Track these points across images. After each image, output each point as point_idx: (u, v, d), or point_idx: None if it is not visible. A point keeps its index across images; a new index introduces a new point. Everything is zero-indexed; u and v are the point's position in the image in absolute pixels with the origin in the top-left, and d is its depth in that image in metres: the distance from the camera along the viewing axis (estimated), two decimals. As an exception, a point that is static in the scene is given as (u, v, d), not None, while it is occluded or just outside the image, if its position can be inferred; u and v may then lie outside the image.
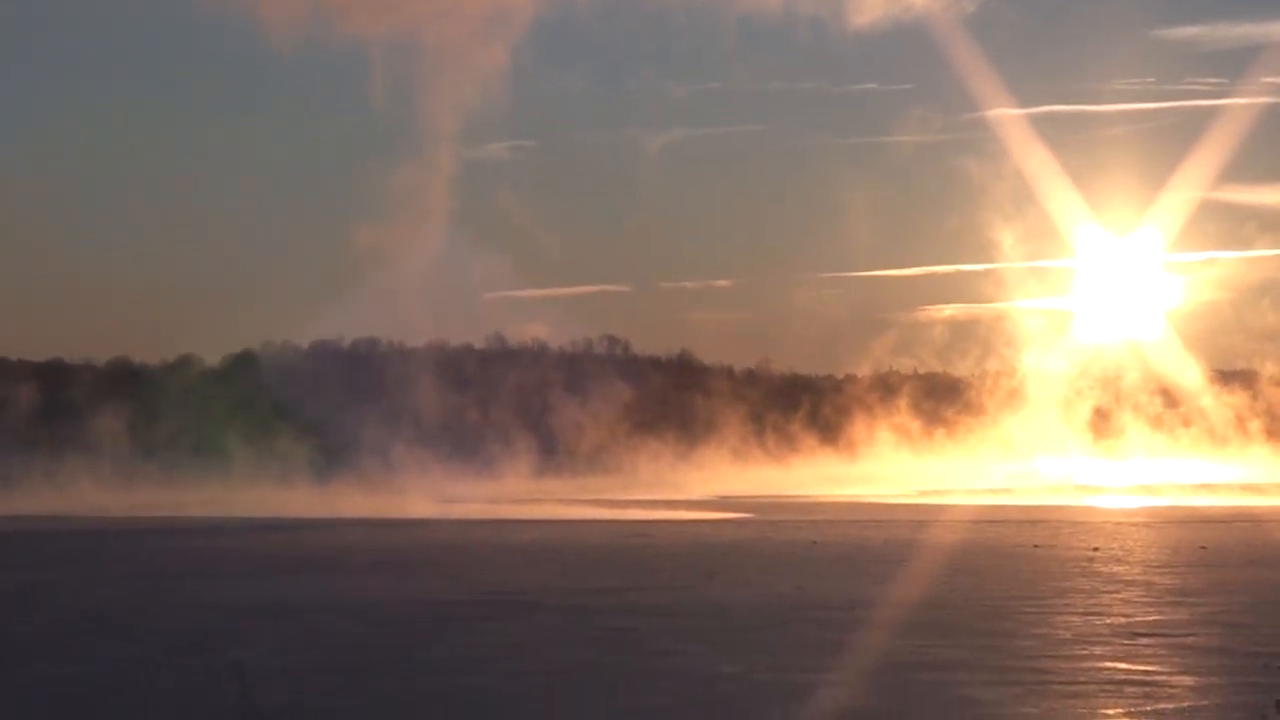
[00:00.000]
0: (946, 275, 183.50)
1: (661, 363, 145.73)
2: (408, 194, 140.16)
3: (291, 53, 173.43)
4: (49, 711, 21.15)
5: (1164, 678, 23.00)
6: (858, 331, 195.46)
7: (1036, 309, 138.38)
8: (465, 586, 38.57)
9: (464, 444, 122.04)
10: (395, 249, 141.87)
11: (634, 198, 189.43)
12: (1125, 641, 27.18)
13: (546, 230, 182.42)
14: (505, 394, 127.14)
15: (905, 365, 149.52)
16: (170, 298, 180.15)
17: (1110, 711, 20.25)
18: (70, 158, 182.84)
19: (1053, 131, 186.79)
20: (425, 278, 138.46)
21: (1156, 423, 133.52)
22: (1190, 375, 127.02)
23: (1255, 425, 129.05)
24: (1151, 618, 30.86)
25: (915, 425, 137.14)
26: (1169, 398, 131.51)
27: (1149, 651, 25.85)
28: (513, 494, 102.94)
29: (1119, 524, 68.19)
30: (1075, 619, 30.53)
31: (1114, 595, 35.35)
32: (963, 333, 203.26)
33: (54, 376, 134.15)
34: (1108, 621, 30.15)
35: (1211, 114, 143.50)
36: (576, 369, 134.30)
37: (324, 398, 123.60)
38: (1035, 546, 52.08)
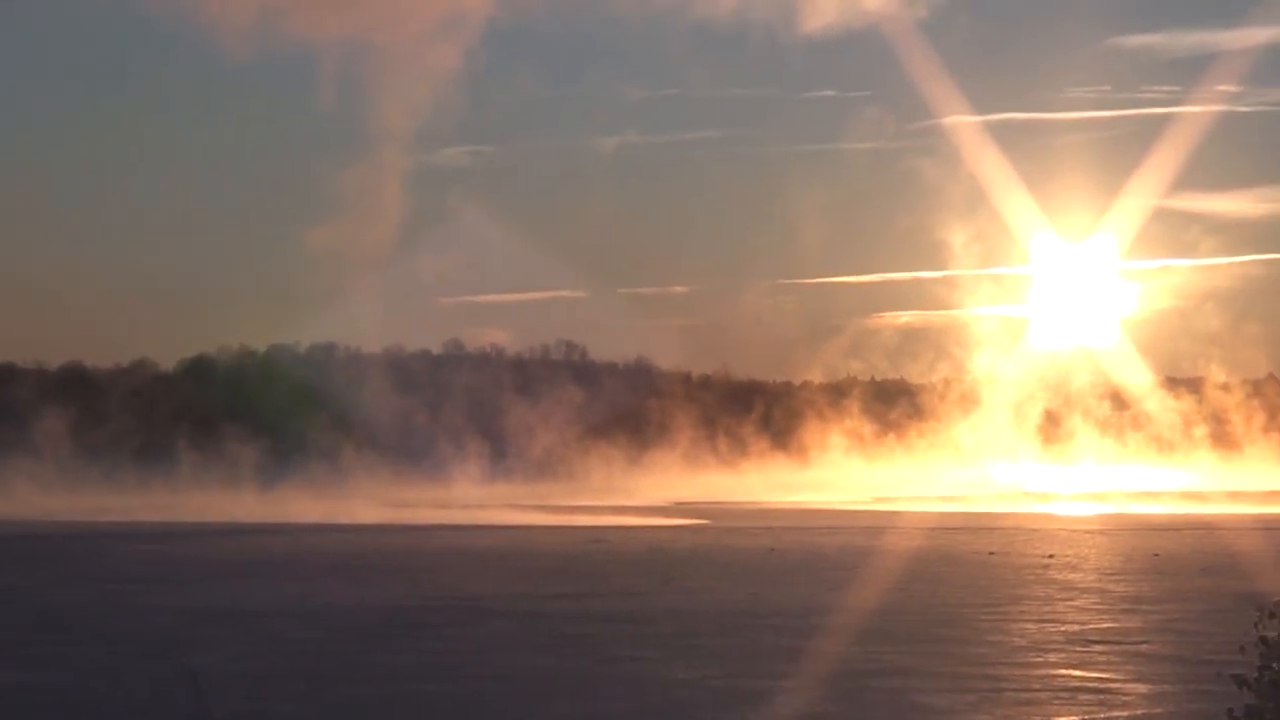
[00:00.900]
0: (902, 282, 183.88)
1: (618, 368, 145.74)
2: (363, 198, 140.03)
3: (245, 57, 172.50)
4: (4, 718, 21.02)
5: (1118, 685, 23.15)
6: (813, 337, 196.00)
7: (991, 316, 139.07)
8: (422, 592, 38.52)
9: (416, 449, 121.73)
10: (351, 254, 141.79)
11: (591, 204, 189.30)
12: (1079, 649, 27.34)
13: (504, 235, 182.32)
14: (459, 399, 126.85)
15: (861, 371, 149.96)
16: (125, 302, 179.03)
17: (1064, 719, 20.37)
18: (22, 162, 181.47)
19: (1008, 139, 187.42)
20: (382, 283, 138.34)
21: (1109, 429, 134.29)
22: (1143, 382, 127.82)
23: (1206, 432, 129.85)
24: (1105, 625, 31.04)
25: (869, 431, 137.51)
26: (1122, 404, 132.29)
27: (1103, 659, 26.00)
28: (465, 500, 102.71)
29: (1073, 531, 68.58)
30: (1030, 626, 30.69)
31: (1068, 602, 35.55)
32: (918, 339, 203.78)
33: (3, 380, 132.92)
34: (1062, 629, 30.32)
35: (1166, 122, 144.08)
36: (532, 374, 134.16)
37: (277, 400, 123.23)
38: (990, 553, 52.33)
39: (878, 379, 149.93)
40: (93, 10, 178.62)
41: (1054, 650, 27.09)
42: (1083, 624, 31.16)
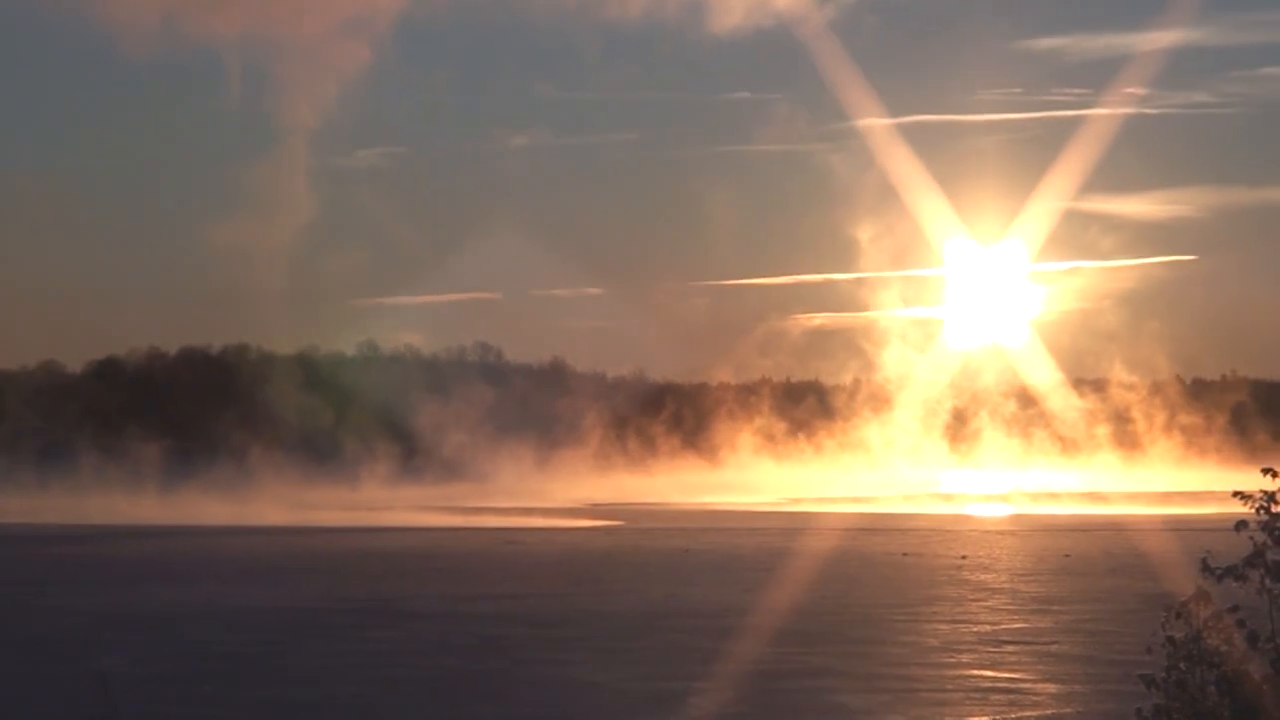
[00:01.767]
0: (815, 283, 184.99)
1: (533, 370, 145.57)
2: (272, 196, 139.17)
3: (148, 54, 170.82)
4: (-91, 723, 20.76)
5: (1029, 685, 23.38)
6: (727, 339, 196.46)
7: (904, 318, 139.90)
8: (336, 594, 38.32)
9: (325, 451, 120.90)
10: (261, 253, 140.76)
11: (505, 206, 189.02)
12: (991, 649, 27.59)
13: (419, 237, 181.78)
14: (371, 401, 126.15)
15: (774, 372, 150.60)
16: (31, 304, 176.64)
17: (976, 719, 20.55)
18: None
19: (920, 140, 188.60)
20: (295, 284, 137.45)
21: (1019, 431, 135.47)
22: (1052, 384, 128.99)
23: (1113, 432, 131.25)
24: (1017, 625, 31.34)
25: (782, 432, 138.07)
26: (1032, 406, 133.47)
27: (1014, 659, 26.25)
28: (374, 501, 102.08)
29: (985, 532, 69.13)
30: (943, 627, 30.93)
31: (981, 603, 35.86)
32: (830, 340, 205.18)
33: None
34: (974, 629, 30.58)
35: (1075, 124, 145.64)
36: (444, 376, 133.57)
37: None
38: (904, 554, 52.66)
39: (792, 380, 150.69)
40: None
41: (966, 651, 27.32)
42: (995, 624, 31.44)
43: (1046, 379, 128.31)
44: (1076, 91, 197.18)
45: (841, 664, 25.52)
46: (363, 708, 21.76)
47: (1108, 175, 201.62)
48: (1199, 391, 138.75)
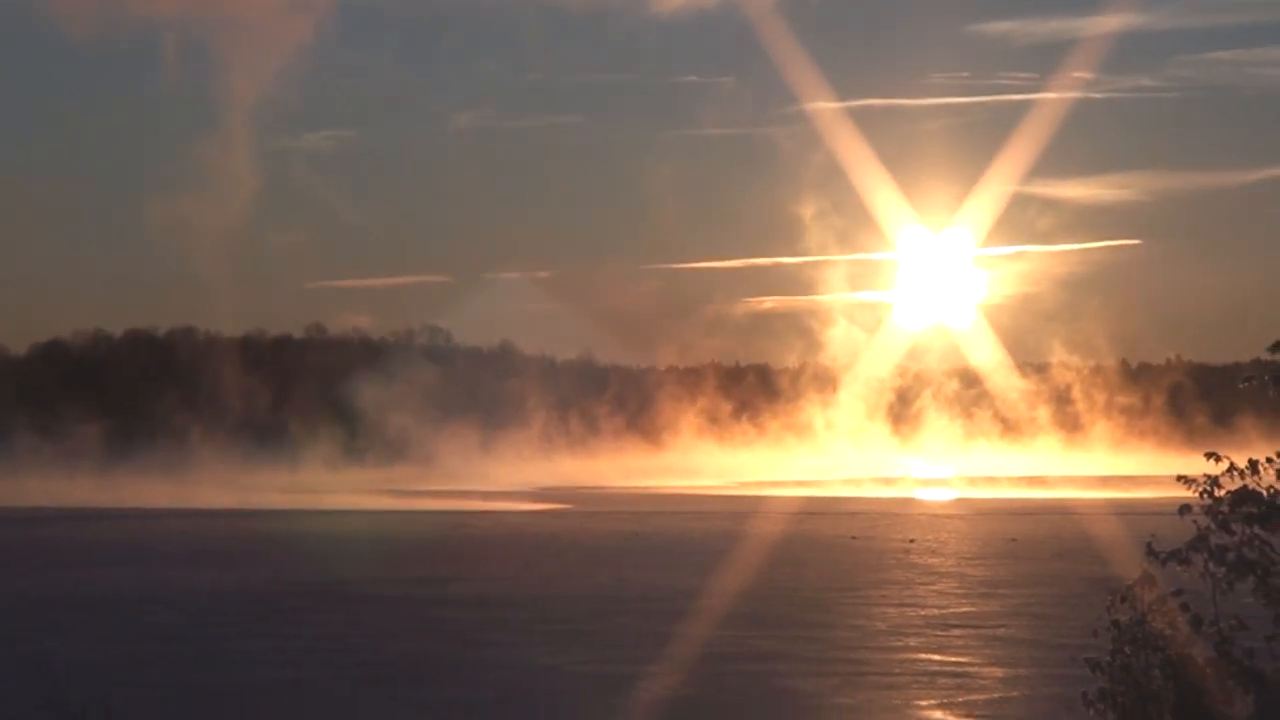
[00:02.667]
0: (763, 267, 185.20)
1: (482, 353, 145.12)
2: (222, 182, 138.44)
3: (94, 37, 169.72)
4: None
5: (975, 669, 23.53)
6: (676, 322, 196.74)
7: (852, 301, 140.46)
8: (284, 577, 38.19)
9: (269, 434, 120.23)
10: (206, 235, 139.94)
11: (454, 190, 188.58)
12: (939, 633, 27.75)
13: (367, 220, 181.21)
14: (316, 384, 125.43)
15: (723, 356, 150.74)
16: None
17: (923, 703, 20.68)
18: None
19: (869, 124, 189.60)
20: (243, 268, 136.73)
21: (965, 415, 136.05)
22: (997, 367, 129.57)
23: (1054, 415, 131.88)
24: (964, 609, 31.52)
25: (729, 416, 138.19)
26: (978, 390, 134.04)
27: (961, 643, 26.41)
28: (318, 484, 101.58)
29: (934, 516, 69.47)
30: (891, 610, 31.08)
31: (928, 587, 36.04)
32: (779, 323, 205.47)
33: None
34: (922, 613, 30.75)
35: (1023, 108, 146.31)
36: (390, 358, 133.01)
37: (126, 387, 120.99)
38: (853, 538, 52.87)
39: (740, 363, 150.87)
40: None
41: (914, 634, 27.47)
42: (942, 608, 31.61)
43: (992, 362, 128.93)
44: (1024, 76, 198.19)
45: (791, 647, 25.62)
46: (311, 691, 21.71)
47: (1054, 160, 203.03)
48: (1140, 375, 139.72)
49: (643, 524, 61.99)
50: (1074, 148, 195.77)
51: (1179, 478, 10.10)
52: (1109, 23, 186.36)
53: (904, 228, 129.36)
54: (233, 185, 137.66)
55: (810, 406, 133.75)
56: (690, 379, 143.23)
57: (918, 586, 36.10)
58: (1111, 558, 42.56)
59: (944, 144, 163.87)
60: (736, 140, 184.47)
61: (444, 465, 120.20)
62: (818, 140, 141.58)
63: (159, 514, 69.76)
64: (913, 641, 26.54)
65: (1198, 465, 10.03)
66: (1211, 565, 9.79)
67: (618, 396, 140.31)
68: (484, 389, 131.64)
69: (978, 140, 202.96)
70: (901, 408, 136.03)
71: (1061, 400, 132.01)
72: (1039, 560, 43.80)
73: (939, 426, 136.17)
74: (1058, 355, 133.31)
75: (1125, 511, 65.62)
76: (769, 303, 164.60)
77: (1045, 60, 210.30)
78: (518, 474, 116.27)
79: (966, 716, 19.79)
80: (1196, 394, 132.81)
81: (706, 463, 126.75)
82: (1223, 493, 9.88)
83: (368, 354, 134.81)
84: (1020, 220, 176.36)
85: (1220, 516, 9.85)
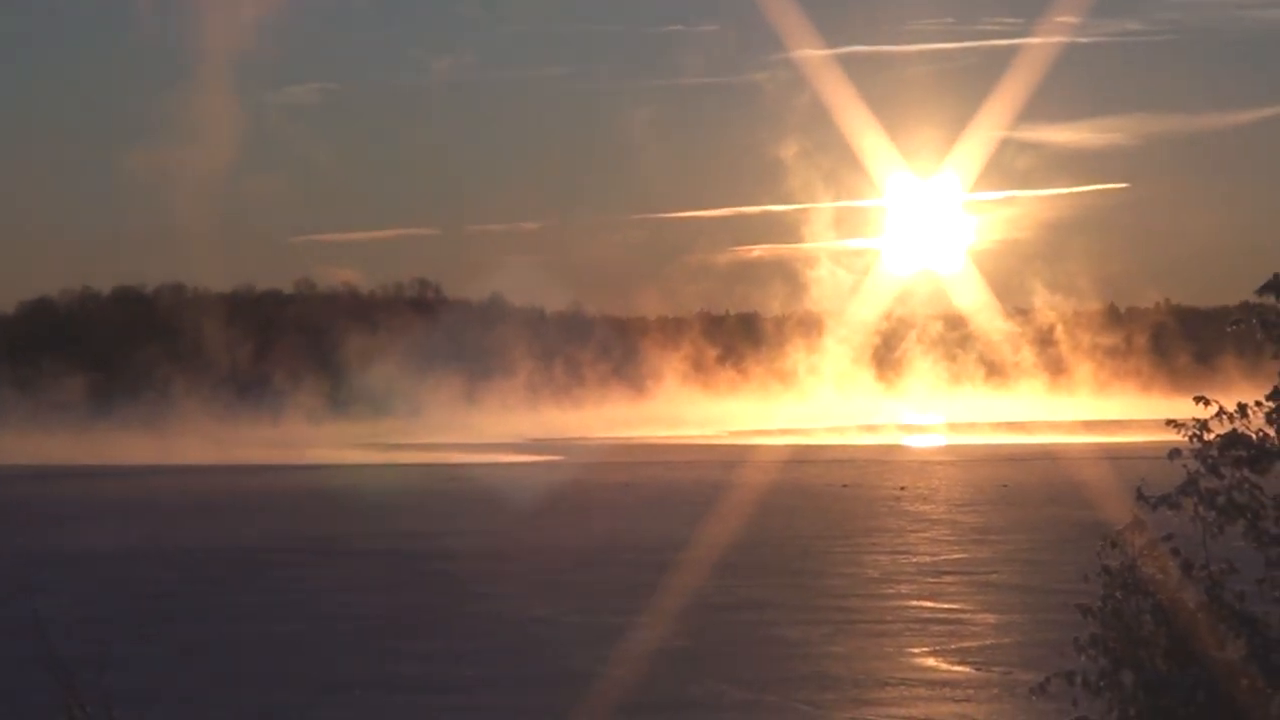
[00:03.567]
0: (751, 215, 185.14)
1: (472, 306, 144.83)
2: (207, 135, 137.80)
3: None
4: None
5: (968, 616, 23.57)
6: (665, 272, 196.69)
7: (841, 249, 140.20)
8: (275, 532, 38.21)
9: (257, 389, 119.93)
10: (198, 193, 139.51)
11: (440, 141, 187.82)
12: (931, 580, 27.79)
13: (354, 173, 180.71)
14: (304, 339, 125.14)
15: (713, 305, 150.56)
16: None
17: (916, 650, 20.70)
18: None
19: (854, 71, 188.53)
20: (231, 223, 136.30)
21: (955, 361, 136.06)
22: (988, 313, 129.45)
23: (1043, 359, 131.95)
24: (956, 556, 31.57)
25: (719, 365, 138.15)
26: (968, 336, 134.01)
27: (953, 590, 26.45)
28: (305, 439, 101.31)
29: (924, 463, 69.59)
30: (883, 558, 31.13)
31: (920, 534, 36.10)
32: (767, 272, 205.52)
33: None
34: (914, 560, 30.79)
35: (1009, 54, 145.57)
36: (379, 311, 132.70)
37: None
38: (844, 486, 52.94)
39: (732, 312, 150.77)
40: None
41: (906, 581, 27.51)
42: (934, 555, 31.66)
43: (982, 309, 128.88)
44: (1009, 21, 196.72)
45: (782, 596, 25.65)
46: (304, 645, 21.72)
47: (1041, 104, 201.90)
48: (1126, 319, 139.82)
49: (635, 474, 62.03)
50: (1061, 92, 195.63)
51: (1168, 422, 10.05)
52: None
53: (891, 174, 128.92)
54: (216, 138, 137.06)
55: (797, 353, 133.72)
56: (680, 328, 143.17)
57: (909, 534, 36.15)
58: (1102, 503, 42.59)
59: (931, 90, 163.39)
60: (722, 89, 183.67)
61: (431, 418, 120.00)
62: (803, 87, 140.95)
63: (142, 470, 69.69)
64: (904, 589, 26.58)
65: (1181, 408, 9.96)
66: (1201, 509, 9.74)
67: (605, 346, 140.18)
68: (473, 342, 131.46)
69: (965, 86, 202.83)
70: (891, 356, 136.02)
71: (1046, 344, 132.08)
72: (1030, 506, 43.88)
73: (926, 372, 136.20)
74: (1045, 299, 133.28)
75: (1114, 455, 65.72)
76: (757, 251, 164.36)
77: (1031, 5, 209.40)
78: (507, 426, 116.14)
79: (959, 663, 19.83)
80: (1181, 335, 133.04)
81: (695, 412, 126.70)
82: (1212, 436, 9.83)
83: (361, 307, 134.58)
84: (1008, 165, 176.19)
85: (1210, 460, 9.80)
